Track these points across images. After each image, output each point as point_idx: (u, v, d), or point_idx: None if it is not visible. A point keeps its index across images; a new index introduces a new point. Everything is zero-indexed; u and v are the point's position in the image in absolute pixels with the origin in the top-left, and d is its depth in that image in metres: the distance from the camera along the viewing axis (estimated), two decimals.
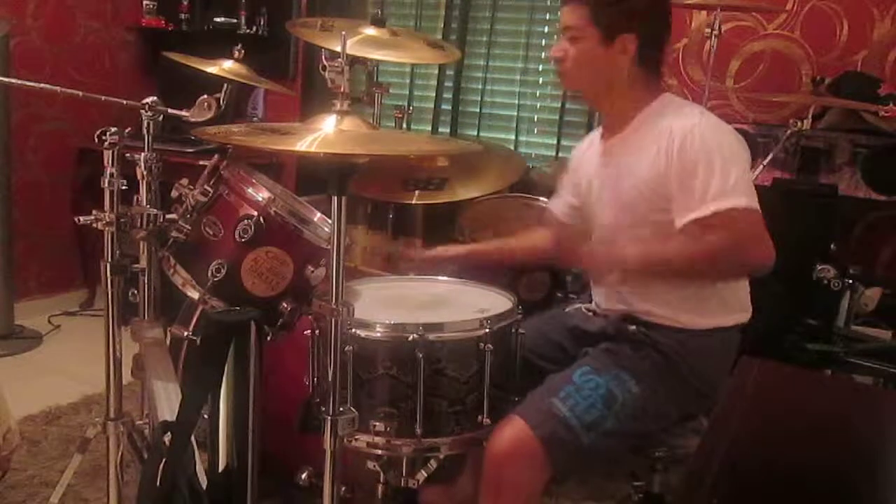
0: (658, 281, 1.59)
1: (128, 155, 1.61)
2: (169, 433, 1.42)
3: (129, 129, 1.60)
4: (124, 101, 1.78)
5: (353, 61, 1.94)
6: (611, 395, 1.51)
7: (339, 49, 1.20)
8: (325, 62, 1.20)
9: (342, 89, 1.21)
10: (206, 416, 1.61)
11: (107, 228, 1.56)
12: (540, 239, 1.90)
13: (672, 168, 1.49)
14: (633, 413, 1.51)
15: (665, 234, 1.52)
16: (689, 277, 1.56)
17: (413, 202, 2.55)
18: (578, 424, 1.47)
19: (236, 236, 1.58)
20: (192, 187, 1.63)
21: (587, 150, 1.77)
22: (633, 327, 1.60)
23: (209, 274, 1.58)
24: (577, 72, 1.62)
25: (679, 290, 1.57)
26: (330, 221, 1.22)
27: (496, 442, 1.48)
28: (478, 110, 3.40)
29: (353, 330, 1.43)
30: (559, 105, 3.23)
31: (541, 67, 3.31)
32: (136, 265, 1.72)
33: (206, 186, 1.62)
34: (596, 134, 1.75)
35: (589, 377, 1.53)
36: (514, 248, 1.95)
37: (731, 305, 1.61)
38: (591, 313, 1.71)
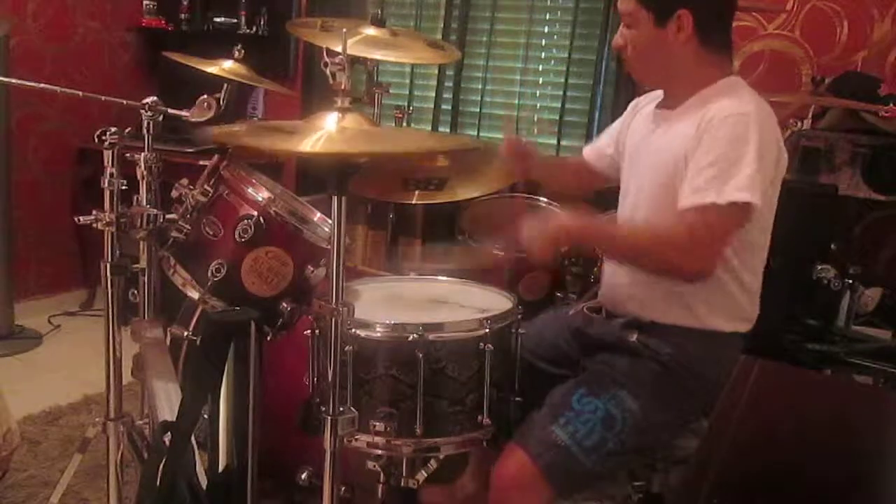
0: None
1: (128, 155, 1.62)
2: (169, 433, 1.42)
3: (129, 129, 1.60)
4: (124, 101, 1.78)
5: (353, 61, 1.93)
6: (610, 416, 1.50)
7: (339, 48, 1.20)
8: (326, 59, 1.20)
9: (343, 86, 1.21)
10: (206, 416, 1.61)
11: (107, 228, 1.56)
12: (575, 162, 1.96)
13: (690, 151, 1.45)
14: (634, 431, 1.51)
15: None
16: (627, 261, 1.55)
17: (413, 202, 2.54)
18: (580, 450, 1.47)
19: (236, 236, 1.57)
20: (192, 187, 1.63)
21: (644, 108, 1.72)
22: (633, 338, 1.58)
23: (209, 274, 1.57)
24: (638, 59, 1.57)
25: (688, 288, 1.54)
26: (330, 221, 1.22)
27: (500, 473, 1.50)
28: (478, 110, 3.40)
29: (353, 330, 1.43)
30: (559, 105, 3.24)
31: (541, 67, 3.31)
32: (136, 265, 1.72)
33: (206, 186, 1.62)
34: (658, 95, 1.68)
35: (587, 399, 1.52)
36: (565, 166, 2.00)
37: (737, 310, 1.58)
38: (594, 314, 1.71)
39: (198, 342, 1.80)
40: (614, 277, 1.67)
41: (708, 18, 1.52)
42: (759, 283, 1.59)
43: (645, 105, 1.73)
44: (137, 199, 1.69)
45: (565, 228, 1.52)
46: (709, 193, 1.39)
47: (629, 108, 1.80)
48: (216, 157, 1.66)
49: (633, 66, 1.61)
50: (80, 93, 1.77)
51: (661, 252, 1.44)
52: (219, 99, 1.76)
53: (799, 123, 2.31)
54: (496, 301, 1.66)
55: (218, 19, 3.73)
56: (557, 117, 3.24)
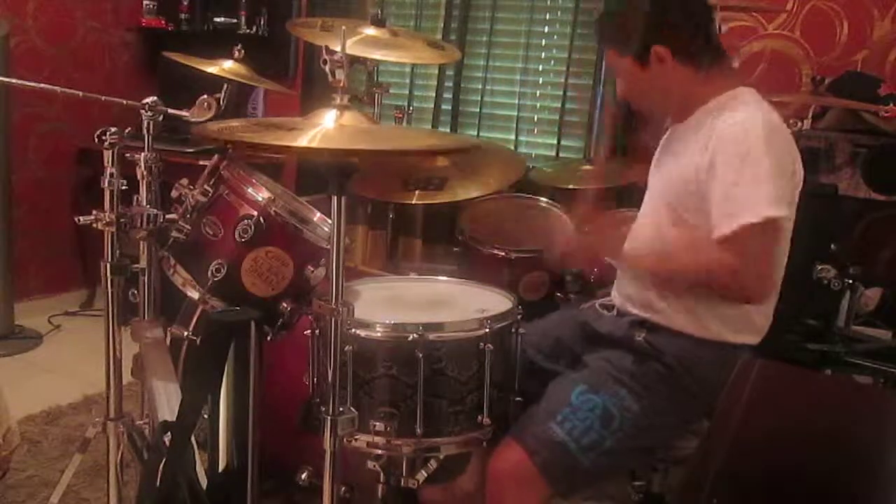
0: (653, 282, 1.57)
1: (128, 155, 1.62)
2: (169, 433, 1.42)
3: (129, 129, 1.60)
4: (124, 101, 1.78)
5: (353, 61, 1.93)
6: (608, 414, 1.50)
7: (338, 47, 1.20)
8: (325, 56, 1.20)
9: (342, 84, 1.21)
10: (206, 416, 1.61)
11: (107, 228, 1.56)
12: None
13: (703, 169, 1.46)
14: (632, 431, 1.51)
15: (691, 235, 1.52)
16: (679, 288, 1.55)
17: (413, 202, 2.54)
18: (577, 448, 1.48)
19: (236, 236, 1.58)
20: (192, 187, 1.63)
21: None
22: (641, 337, 1.58)
23: (209, 274, 1.57)
24: (640, 100, 1.65)
25: (698, 297, 1.55)
26: (330, 221, 1.22)
27: (496, 468, 1.50)
28: (478, 110, 3.40)
29: (353, 330, 1.43)
30: (559, 105, 3.24)
31: (541, 67, 3.31)
32: (136, 265, 1.72)
33: (206, 186, 1.62)
34: None
35: (586, 397, 1.52)
36: None
37: (748, 324, 1.58)
38: (604, 310, 1.71)
39: (198, 342, 1.81)
40: (626, 279, 1.68)
41: (683, 44, 1.55)
42: (775, 299, 1.59)
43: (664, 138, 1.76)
44: (137, 199, 1.69)
45: (617, 250, 1.57)
46: (744, 215, 1.39)
47: None
48: (216, 157, 1.66)
49: (641, 107, 1.67)
50: (80, 93, 1.77)
51: (716, 282, 1.45)
52: (219, 99, 1.77)
53: (799, 123, 2.30)
54: (496, 301, 1.66)
55: (218, 19, 3.73)
56: (557, 117, 3.24)
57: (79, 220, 1.56)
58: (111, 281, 1.60)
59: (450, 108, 3.42)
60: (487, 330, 1.48)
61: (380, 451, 1.50)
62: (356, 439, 1.46)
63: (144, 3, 3.75)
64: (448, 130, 3.41)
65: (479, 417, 1.49)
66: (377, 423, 1.46)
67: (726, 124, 1.46)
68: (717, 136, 1.45)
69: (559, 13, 3.26)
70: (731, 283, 1.43)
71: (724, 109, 1.51)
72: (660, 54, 1.54)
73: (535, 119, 3.36)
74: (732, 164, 1.42)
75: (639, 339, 1.58)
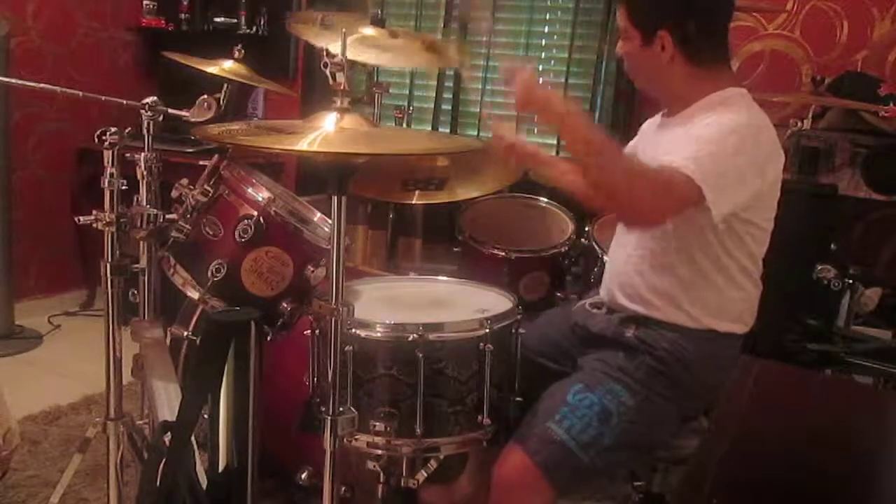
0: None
1: (128, 155, 1.62)
2: (169, 433, 1.42)
3: (129, 129, 1.60)
4: (124, 101, 1.78)
5: (353, 62, 1.93)
6: (605, 411, 1.50)
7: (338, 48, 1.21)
8: (325, 59, 1.20)
9: (342, 87, 1.21)
10: (206, 416, 1.61)
11: (107, 228, 1.56)
12: None
13: None
14: (630, 426, 1.51)
15: (678, 235, 1.52)
16: (599, 178, 1.46)
17: (413, 202, 2.55)
18: (576, 445, 1.48)
19: (236, 236, 1.58)
20: (192, 187, 1.63)
21: (650, 127, 1.74)
22: (631, 333, 1.58)
23: (209, 274, 1.57)
24: (632, 72, 1.63)
25: (681, 286, 1.56)
26: (330, 221, 1.22)
27: (500, 473, 1.50)
28: (478, 110, 3.40)
29: (353, 330, 1.43)
30: None
31: (541, 67, 3.31)
32: (136, 265, 1.72)
33: (206, 186, 1.62)
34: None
35: (582, 395, 1.52)
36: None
37: (730, 310, 1.58)
38: (595, 309, 1.71)
39: (198, 342, 1.81)
40: (611, 273, 1.68)
41: (689, 38, 1.53)
42: (757, 289, 1.59)
43: (650, 125, 1.75)
44: (137, 199, 1.69)
45: (567, 111, 1.51)
46: (685, 161, 1.38)
47: (640, 130, 1.81)
48: (216, 157, 1.66)
49: (631, 77, 1.66)
50: (80, 93, 1.77)
51: (645, 184, 1.41)
52: (219, 99, 1.77)
53: (799, 123, 2.30)
54: (496, 301, 1.66)
55: (218, 19, 3.73)
56: None
57: (79, 220, 1.56)
58: (111, 281, 1.60)
59: (450, 108, 3.42)
60: (487, 330, 1.48)
61: (380, 451, 1.50)
62: (356, 439, 1.46)
63: (144, 3, 3.75)
64: (448, 130, 3.41)
65: (479, 417, 1.49)
66: (377, 423, 1.46)
67: (704, 123, 1.46)
68: (691, 132, 1.46)
69: (559, 13, 3.27)
70: (650, 195, 1.40)
71: (709, 111, 1.50)
72: (664, 41, 1.52)
73: (535, 118, 3.35)
74: (704, 132, 1.43)
75: (629, 335, 1.58)
